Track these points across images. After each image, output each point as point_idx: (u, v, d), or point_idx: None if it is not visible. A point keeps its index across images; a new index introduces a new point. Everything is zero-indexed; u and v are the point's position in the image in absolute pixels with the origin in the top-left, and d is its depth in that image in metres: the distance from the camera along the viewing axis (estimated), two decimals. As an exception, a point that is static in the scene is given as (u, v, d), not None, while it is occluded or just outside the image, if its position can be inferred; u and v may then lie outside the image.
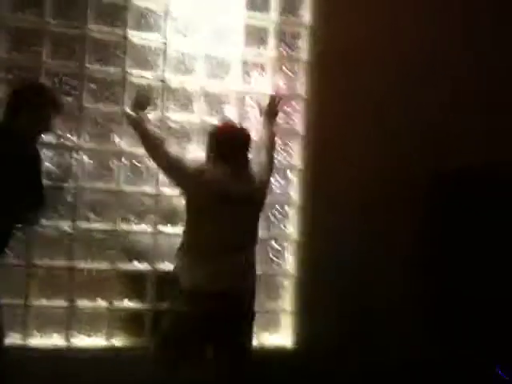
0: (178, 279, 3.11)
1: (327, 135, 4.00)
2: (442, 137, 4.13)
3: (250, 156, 3.29)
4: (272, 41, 4.07)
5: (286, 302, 4.07)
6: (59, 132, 3.65)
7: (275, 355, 3.92)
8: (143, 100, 3.27)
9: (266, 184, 3.36)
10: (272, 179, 3.67)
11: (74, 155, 3.71)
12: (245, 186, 3.15)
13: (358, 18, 4.05)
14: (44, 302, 3.63)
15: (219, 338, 3.14)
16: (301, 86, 4.12)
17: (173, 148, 3.44)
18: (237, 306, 3.10)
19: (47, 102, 3.11)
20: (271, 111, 3.58)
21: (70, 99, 3.72)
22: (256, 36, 4.06)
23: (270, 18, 4.08)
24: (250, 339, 3.28)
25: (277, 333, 4.06)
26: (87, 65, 3.73)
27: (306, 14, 4.15)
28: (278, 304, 4.08)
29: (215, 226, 3.06)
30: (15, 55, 3.66)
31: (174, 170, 3.16)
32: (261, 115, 3.62)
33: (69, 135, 3.71)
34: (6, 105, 3.11)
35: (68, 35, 3.73)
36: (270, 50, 4.07)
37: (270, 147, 3.49)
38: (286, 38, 4.12)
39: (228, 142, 3.19)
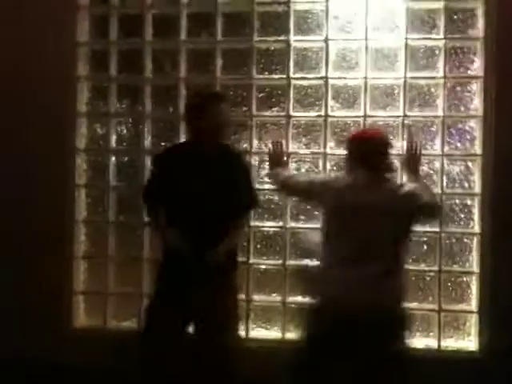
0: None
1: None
2: None
3: (389, 162, 3.13)
4: (441, 24, 3.77)
5: (471, 301, 3.78)
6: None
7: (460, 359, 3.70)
8: (276, 157, 3.56)
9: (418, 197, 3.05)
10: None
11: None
12: (378, 194, 2.99)
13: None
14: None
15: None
16: (477, 67, 3.75)
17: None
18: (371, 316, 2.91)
19: (224, 109, 3.33)
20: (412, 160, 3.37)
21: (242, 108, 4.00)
22: (422, 20, 3.81)
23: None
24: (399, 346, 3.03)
25: (461, 335, 3.80)
26: (255, 75, 3.96)
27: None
28: (462, 304, 3.80)
29: (343, 235, 2.98)
30: (194, 74, 4.03)
31: (314, 196, 3.22)
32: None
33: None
34: (190, 111, 3.34)
35: (237, 50, 4.00)
36: (439, 35, 3.79)
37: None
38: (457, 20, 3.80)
39: (359, 148, 3.10)
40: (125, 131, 4.17)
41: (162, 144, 4.02)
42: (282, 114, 3.90)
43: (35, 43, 4.04)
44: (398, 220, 2.95)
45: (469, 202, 3.77)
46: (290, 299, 3.89)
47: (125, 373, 3.48)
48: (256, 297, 3.93)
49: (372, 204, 2.94)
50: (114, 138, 4.13)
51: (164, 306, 3.22)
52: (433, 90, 3.79)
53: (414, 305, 3.66)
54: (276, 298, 3.91)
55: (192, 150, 3.29)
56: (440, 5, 3.76)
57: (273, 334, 3.94)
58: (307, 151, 3.90)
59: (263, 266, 3.94)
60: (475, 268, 3.75)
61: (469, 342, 3.78)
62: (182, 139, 3.87)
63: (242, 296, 3.84)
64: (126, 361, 3.44)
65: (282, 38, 3.90)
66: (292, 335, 3.81)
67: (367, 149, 3.10)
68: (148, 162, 3.98)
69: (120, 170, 4.13)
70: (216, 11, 3.97)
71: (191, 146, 3.33)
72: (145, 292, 3.93)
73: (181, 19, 4.02)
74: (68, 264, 4.05)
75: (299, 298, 3.86)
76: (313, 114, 3.88)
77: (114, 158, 4.12)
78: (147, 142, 4.06)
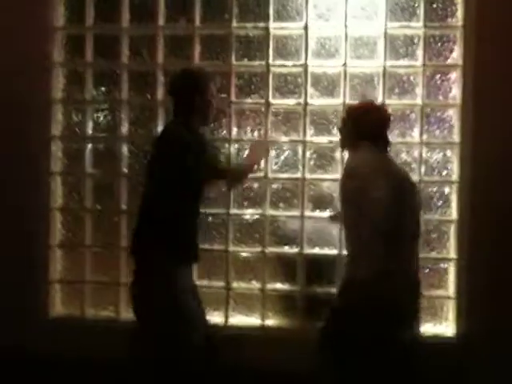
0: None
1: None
2: None
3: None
4: (421, 12, 3.77)
5: (448, 287, 3.82)
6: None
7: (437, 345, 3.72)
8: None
9: None
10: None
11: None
12: (400, 170, 3.08)
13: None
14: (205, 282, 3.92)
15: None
16: (457, 56, 3.76)
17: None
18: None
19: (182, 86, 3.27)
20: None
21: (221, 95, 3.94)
22: (402, 9, 3.79)
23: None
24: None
25: (438, 321, 3.82)
26: (234, 62, 3.92)
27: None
28: (440, 290, 3.83)
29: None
30: (171, 60, 3.98)
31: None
32: None
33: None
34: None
35: (215, 36, 3.95)
36: (418, 23, 3.79)
37: None
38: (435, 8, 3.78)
39: (371, 118, 3.05)
40: (101, 118, 4.11)
41: (139, 131, 4.00)
42: (261, 101, 3.88)
43: (9, 29, 3.95)
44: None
45: (447, 190, 3.79)
46: (269, 286, 3.89)
47: (102, 362, 3.52)
48: (235, 284, 3.92)
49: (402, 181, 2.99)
50: (90, 124, 4.05)
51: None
52: (412, 78, 3.81)
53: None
54: (255, 285, 3.91)
55: None
56: (419, -7, 3.82)
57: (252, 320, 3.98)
58: (286, 139, 3.89)
59: (243, 254, 3.95)
60: (452, 254, 3.77)
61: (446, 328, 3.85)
62: (160, 126, 3.86)
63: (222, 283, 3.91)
64: (102, 350, 3.49)
65: (261, 24, 3.87)
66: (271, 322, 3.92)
67: (381, 119, 3.09)
68: (125, 148, 3.97)
69: (96, 157, 4.08)
70: (194, -3, 3.98)
71: None
72: (123, 281, 3.90)
73: (158, 4, 3.94)
74: (44, 252, 3.99)
75: (278, 285, 3.91)
76: (292, 101, 3.87)
77: (90, 145, 4.05)
78: (124, 128, 4.02)
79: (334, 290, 3.71)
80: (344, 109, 3.52)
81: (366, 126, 3.06)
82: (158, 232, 3.11)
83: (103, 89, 4.11)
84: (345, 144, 3.22)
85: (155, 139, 3.29)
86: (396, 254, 2.87)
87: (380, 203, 2.84)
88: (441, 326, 3.82)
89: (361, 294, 2.86)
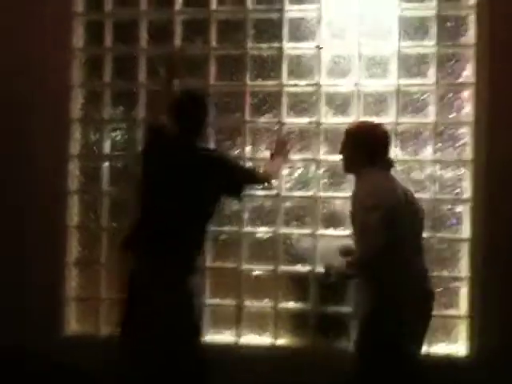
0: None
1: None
2: None
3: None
4: (433, 31, 3.78)
5: (461, 306, 3.76)
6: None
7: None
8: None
9: None
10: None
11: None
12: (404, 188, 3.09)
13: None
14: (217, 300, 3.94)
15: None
16: (469, 74, 3.75)
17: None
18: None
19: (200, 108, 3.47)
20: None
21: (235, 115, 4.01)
22: (415, 28, 3.82)
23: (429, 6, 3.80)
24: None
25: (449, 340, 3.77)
26: (248, 81, 3.97)
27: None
28: (452, 310, 3.77)
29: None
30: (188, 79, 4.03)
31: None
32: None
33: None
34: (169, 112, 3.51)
35: (230, 57, 4.02)
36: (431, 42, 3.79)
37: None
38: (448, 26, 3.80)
39: (378, 139, 3.05)
40: (119, 137, 4.19)
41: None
42: (275, 120, 3.92)
43: (31, 51, 4.05)
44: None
45: (460, 209, 3.77)
46: (282, 305, 3.87)
47: (116, 379, 3.49)
48: (247, 302, 3.90)
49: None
50: (107, 143, 4.12)
51: None
52: (425, 96, 3.81)
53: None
54: (268, 303, 3.89)
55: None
56: (432, 12, 3.78)
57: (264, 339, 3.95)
58: (300, 157, 3.90)
59: (255, 272, 3.94)
60: (465, 273, 3.73)
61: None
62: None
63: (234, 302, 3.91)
64: (117, 367, 3.47)
65: (276, 44, 3.91)
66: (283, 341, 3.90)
67: (384, 138, 3.09)
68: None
69: (113, 175, 4.14)
70: (210, 18, 4.00)
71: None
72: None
73: (175, 25, 4.03)
74: (61, 270, 4.03)
75: (291, 304, 3.88)
76: (306, 120, 3.90)
77: (107, 164, 4.12)
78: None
79: (345, 309, 3.75)
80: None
81: (371, 146, 3.04)
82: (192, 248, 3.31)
83: (121, 108, 4.21)
84: (350, 168, 3.15)
85: (183, 160, 3.35)
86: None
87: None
88: (453, 345, 3.76)
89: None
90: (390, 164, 3.10)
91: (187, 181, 3.30)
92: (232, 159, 3.63)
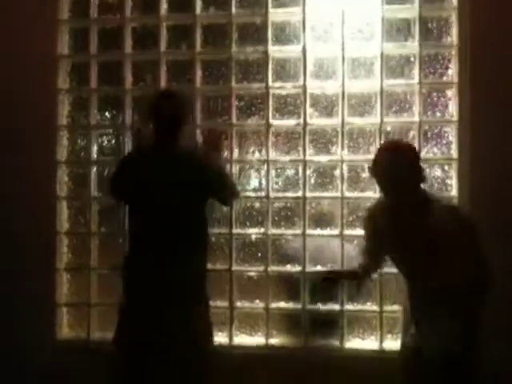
0: None
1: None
2: None
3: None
4: (416, 32, 3.83)
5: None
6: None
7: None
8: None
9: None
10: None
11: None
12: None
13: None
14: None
15: None
16: (452, 73, 3.81)
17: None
18: None
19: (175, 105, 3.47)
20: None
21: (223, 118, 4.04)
22: (397, 29, 3.88)
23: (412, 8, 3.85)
24: None
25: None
26: (234, 85, 4.00)
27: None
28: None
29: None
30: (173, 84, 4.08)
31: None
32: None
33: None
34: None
35: (215, 61, 4.06)
36: (414, 43, 3.85)
37: None
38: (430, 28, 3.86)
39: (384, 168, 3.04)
40: (106, 142, 4.23)
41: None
42: (262, 122, 3.96)
43: (16, 56, 4.06)
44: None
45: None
46: (273, 305, 3.91)
47: None
48: (239, 303, 3.94)
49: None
50: (95, 149, 4.14)
51: None
52: (409, 96, 3.86)
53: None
54: (259, 304, 3.93)
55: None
56: (415, 14, 3.83)
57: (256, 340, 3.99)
58: (287, 158, 3.95)
59: (246, 273, 3.97)
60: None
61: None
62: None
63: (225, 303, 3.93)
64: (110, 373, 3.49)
65: (261, 48, 3.95)
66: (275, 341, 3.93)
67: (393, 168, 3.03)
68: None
69: (101, 181, 4.14)
70: (195, 23, 4.03)
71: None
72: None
73: (160, 31, 4.06)
74: (50, 276, 4.04)
75: (282, 304, 3.92)
76: (292, 121, 3.95)
77: (95, 169, 4.14)
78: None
79: (336, 308, 3.80)
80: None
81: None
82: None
83: (107, 114, 4.24)
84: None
85: (172, 164, 3.37)
86: None
87: None
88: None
89: None
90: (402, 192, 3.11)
91: (171, 189, 3.31)
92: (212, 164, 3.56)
